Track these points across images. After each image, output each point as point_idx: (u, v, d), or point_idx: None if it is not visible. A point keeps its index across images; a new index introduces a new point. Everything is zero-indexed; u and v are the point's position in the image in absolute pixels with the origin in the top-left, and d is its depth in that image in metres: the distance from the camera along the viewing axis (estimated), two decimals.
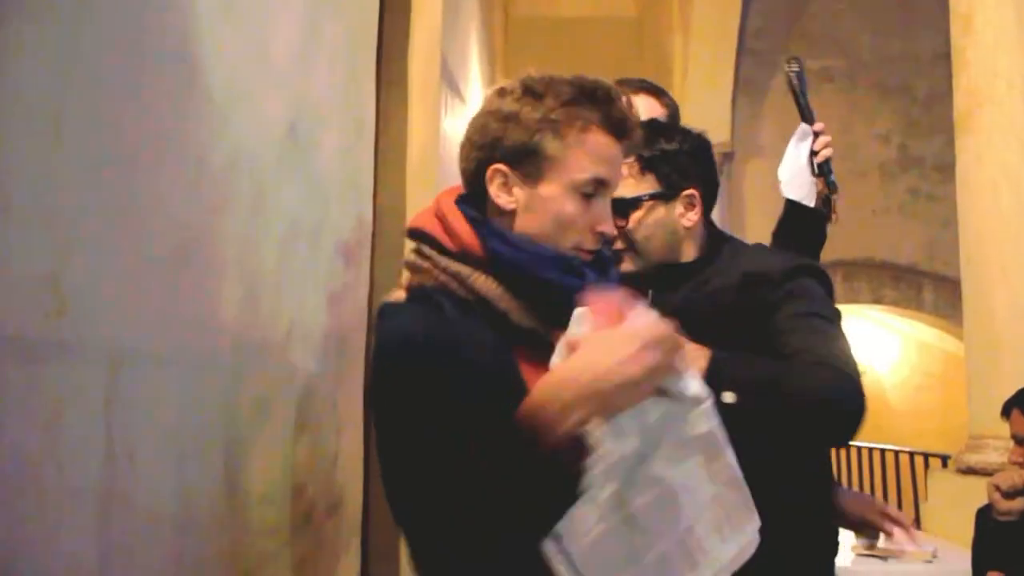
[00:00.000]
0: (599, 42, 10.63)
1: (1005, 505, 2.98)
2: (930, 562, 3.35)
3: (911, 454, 5.64)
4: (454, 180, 1.28)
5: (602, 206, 1.20)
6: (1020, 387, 2.99)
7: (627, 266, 1.61)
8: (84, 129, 0.92)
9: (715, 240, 1.67)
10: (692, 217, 1.63)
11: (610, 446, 1.04)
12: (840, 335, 1.49)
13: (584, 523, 1.05)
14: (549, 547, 1.04)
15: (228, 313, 1.30)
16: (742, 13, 8.35)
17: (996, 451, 3.94)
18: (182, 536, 1.16)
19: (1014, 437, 3.01)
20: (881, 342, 10.46)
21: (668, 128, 1.68)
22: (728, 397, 1.33)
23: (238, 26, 1.34)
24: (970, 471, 4.11)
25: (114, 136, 0.98)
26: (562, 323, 1.10)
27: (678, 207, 1.62)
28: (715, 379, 1.30)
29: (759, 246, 1.73)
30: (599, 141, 1.18)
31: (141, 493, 1.05)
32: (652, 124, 1.64)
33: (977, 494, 3.19)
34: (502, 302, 1.14)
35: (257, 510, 1.41)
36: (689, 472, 1.08)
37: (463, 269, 1.15)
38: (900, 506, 5.71)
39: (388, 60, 3.12)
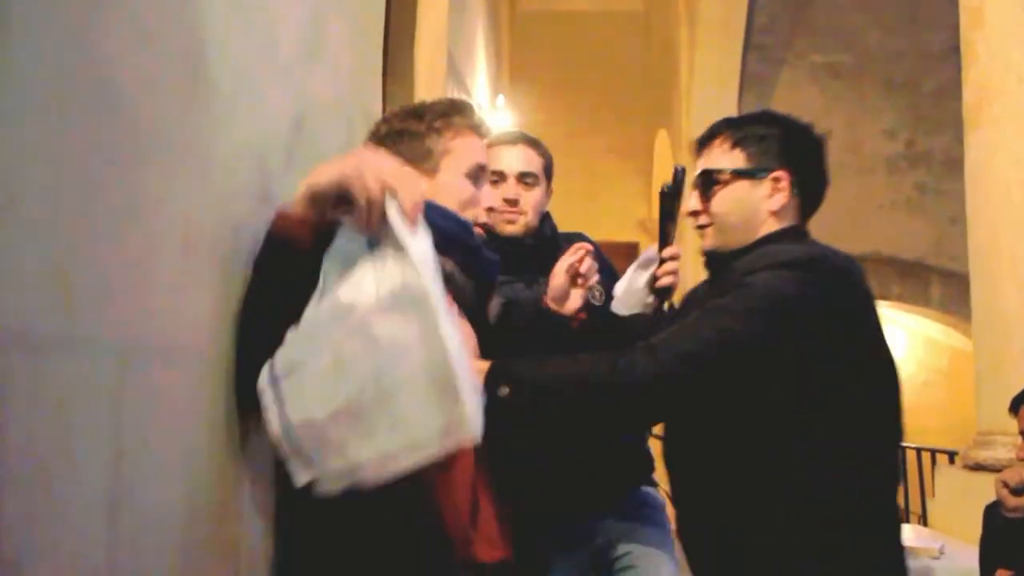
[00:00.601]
0: (605, 37, 10.63)
1: (1013, 502, 2.97)
2: (937, 559, 3.34)
3: (918, 450, 5.62)
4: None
5: (486, 187, 1.59)
6: None
7: (706, 243, 1.64)
8: (91, 124, 0.91)
9: (784, 233, 1.61)
10: (779, 200, 1.60)
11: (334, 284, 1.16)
12: (725, 324, 1.42)
13: (297, 359, 1.13)
14: (263, 379, 1.15)
15: (237, 307, 1.29)
16: (749, 8, 8.33)
17: (1004, 447, 3.93)
18: (191, 531, 1.15)
19: (1022, 433, 2.99)
20: (888, 338, 10.43)
21: (769, 116, 1.69)
22: (503, 390, 1.43)
23: (245, 19, 1.33)
24: (978, 467, 4.10)
25: (122, 130, 0.97)
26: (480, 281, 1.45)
27: (763, 188, 1.60)
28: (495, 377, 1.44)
29: (792, 246, 1.59)
30: (471, 139, 1.56)
31: (150, 488, 1.04)
32: (758, 114, 1.70)
33: (985, 490, 3.18)
34: (446, 265, 1.40)
35: (268, 503, 1.40)
36: (402, 333, 1.11)
37: None
38: (907, 503, 5.70)
39: (395, 53, 3.11)
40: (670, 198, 1.84)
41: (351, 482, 1.13)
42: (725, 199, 1.60)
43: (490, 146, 2.04)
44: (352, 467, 1.12)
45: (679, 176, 1.83)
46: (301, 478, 1.15)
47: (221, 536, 1.26)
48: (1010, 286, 3.91)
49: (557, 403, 1.47)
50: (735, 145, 1.61)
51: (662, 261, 1.88)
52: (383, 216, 1.19)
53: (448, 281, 1.41)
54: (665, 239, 1.86)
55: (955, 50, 4.38)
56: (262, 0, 1.41)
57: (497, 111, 7.13)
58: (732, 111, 8.23)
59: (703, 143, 1.67)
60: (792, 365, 1.42)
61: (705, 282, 1.73)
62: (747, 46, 8.51)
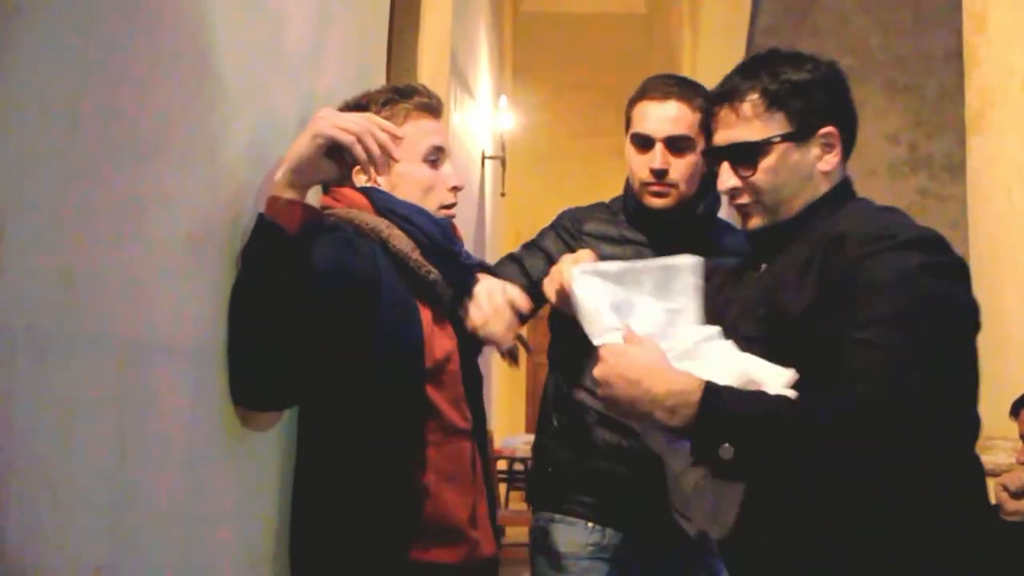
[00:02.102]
0: (607, 39, 10.62)
1: (1013, 505, 2.97)
2: None
3: None
4: (459, 171, 1.54)
5: (448, 168, 1.55)
6: None
7: (752, 223, 1.40)
8: (99, 123, 0.92)
9: (838, 192, 1.39)
10: (831, 160, 1.37)
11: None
12: (918, 343, 1.18)
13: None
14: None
15: None
16: (752, 10, 8.33)
17: (1005, 452, 3.92)
18: (192, 530, 1.15)
19: (1022, 437, 2.99)
20: None
21: (794, 56, 1.41)
22: (725, 452, 1.15)
23: (252, 20, 1.33)
24: None
25: (128, 130, 0.98)
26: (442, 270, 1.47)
27: (814, 149, 1.37)
28: (709, 423, 1.17)
29: (877, 208, 1.39)
30: (421, 122, 1.52)
31: (152, 487, 1.04)
32: (774, 53, 1.42)
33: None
34: (431, 274, 1.46)
35: (269, 503, 1.41)
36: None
37: (379, 223, 1.45)
38: None
39: (398, 53, 3.12)
40: None
41: None
42: (773, 171, 1.35)
43: (638, 100, 1.84)
44: None
45: None
46: None
47: (223, 534, 1.26)
48: (1011, 291, 3.91)
49: (796, 469, 1.19)
50: (772, 104, 1.35)
51: None
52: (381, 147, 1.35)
53: (432, 289, 1.47)
54: None
55: (958, 54, 4.37)
56: (269, 2, 1.41)
57: (500, 111, 7.13)
58: None
59: (725, 102, 1.39)
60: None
61: (745, 261, 1.46)
62: (749, 48, 8.50)
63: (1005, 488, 3.00)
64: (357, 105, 1.53)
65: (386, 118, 1.47)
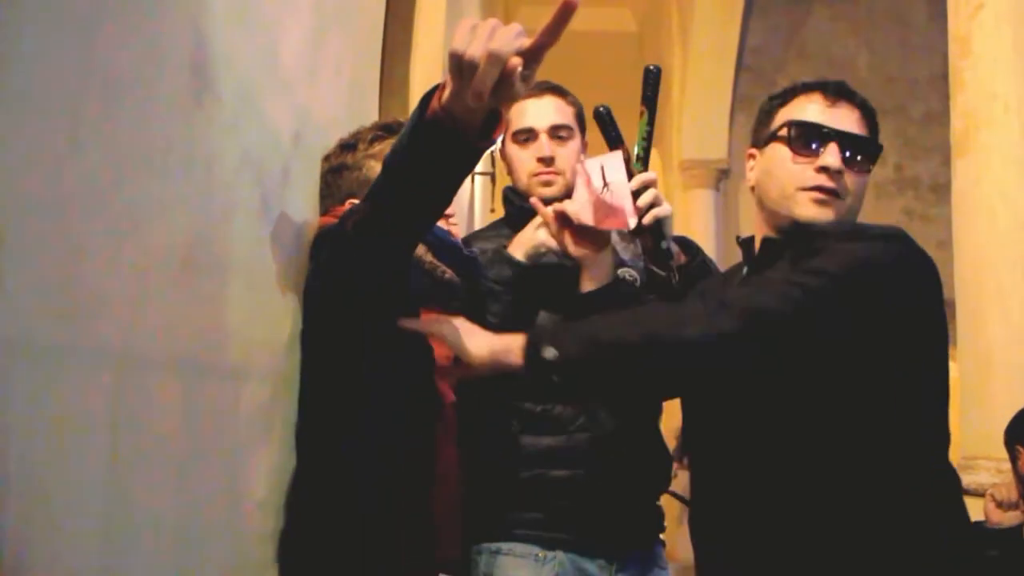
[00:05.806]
0: (598, 57, 10.67)
1: (997, 516, 3.00)
2: None
3: None
4: None
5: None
6: (1015, 413, 2.97)
7: (825, 214, 1.43)
8: (97, 135, 0.92)
9: None
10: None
11: None
12: (811, 283, 1.26)
13: None
14: None
15: (235, 318, 1.30)
16: (741, 30, 8.40)
17: (988, 472, 3.94)
18: (185, 542, 1.16)
19: (1017, 473, 3.00)
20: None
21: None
22: (548, 352, 1.26)
23: (249, 34, 1.35)
24: (963, 492, 4.11)
25: (126, 142, 0.99)
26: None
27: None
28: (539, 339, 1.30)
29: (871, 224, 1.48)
30: None
31: (146, 498, 1.05)
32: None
33: (971, 514, 3.19)
34: (446, 274, 1.55)
35: (260, 516, 1.41)
36: None
37: None
38: None
39: (391, 68, 3.14)
40: (655, 85, 1.68)
41: None
42: (860, 185, 1.46)
43: (512, 105, 1.74)
44: None
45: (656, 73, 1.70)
46: None
47: (216, 545, 1.26)
48: (995, 313, 3.94)
49: (614, 359, 1.28)
50: (868, 121, 1.50)
51: (636, 194, 1.60)
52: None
53: (447, 286, 1.53)
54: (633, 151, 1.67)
55: (943, 77, 4.43)
56: (265, 15, 1.43)
57: None
58: (723, 132, 8.28)
59: (845, 96, 1.48)
60: (865, 346, 1.28)
61: (749, 265, 1.53)
62: (739, 68, 8.57)
63: (993, 497, 3.04)
64: (348, 145, 1.60)
65: (375, 154, 1.54)
